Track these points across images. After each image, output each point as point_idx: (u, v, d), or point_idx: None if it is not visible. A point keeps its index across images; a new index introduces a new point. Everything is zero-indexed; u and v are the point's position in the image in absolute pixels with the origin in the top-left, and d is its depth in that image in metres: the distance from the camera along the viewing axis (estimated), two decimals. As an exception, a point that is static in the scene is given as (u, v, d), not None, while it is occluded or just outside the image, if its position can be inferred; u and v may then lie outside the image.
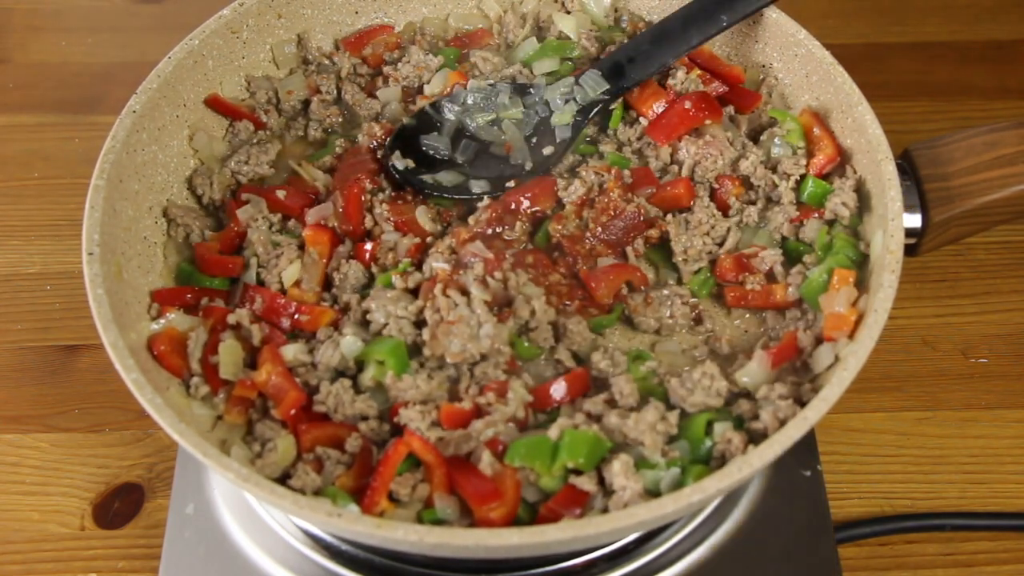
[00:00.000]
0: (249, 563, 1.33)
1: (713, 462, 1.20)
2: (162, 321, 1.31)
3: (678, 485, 1.15)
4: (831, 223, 1.38)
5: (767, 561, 1.33)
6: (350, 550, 1.33)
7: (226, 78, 1.53)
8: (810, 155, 1.43)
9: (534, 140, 1.47)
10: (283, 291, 1.34)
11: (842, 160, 1.42)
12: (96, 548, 1.45)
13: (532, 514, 1.17)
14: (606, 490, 1.18)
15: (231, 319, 1.31)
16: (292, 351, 1.28)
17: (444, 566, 1.31)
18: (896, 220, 1.27)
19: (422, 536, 1.06)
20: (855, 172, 1.39)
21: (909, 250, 1.41)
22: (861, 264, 1.32)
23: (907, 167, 1.43)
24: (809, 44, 1.46)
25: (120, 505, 1.49)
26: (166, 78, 1.43)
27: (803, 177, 1.41)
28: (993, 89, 1.94)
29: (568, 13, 1.63)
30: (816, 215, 1.38)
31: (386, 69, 1.59)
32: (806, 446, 1.41)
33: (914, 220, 1.40)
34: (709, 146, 1.42)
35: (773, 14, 1.49)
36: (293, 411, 1.24)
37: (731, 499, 1.37)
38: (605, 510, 1.15)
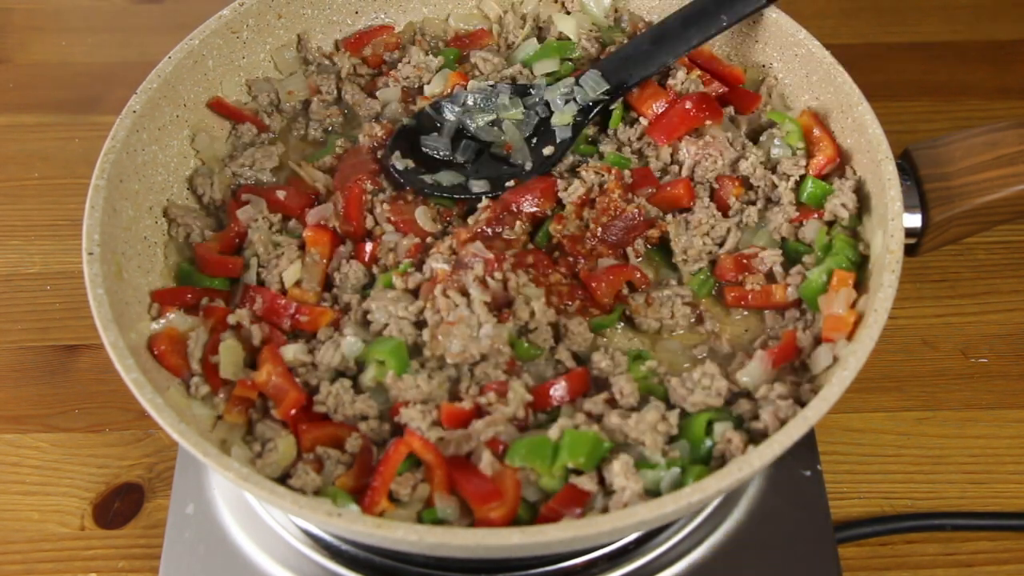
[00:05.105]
0: (249, 563, 1.33)
1: (713, 462, 1.20)
2: (162, 321, 1.31)
3: (678, 485, 1.15)
4: (831, 224, 1.37)
5: (767, 561, 1.33)
6: (350, 550, 1.33)
7: (226, 78, 1.53)
8: (810, 156, 1.42)
9: (534, 140, 1.47)
10: (283, 291, 1.34)
11: (842, 161, 1.42)
12: (96, 548, 1.45)
13: (533, 514, 1.17)
14: (606, 490, 1.18)
15: (231, 319, 1.31)
16: (292, 351, 1.28)
17: (444, 566, 1.31)
18: (896, 220, 1.27)
19: (422, 536, 1.06)
20: (855, 173, 1.39)
21: (909, 250, 1.41)
22: (860, 265, 1.32)
23: (907, 167, 1.42)
24: (809, 44, 1.46)
25: (120, 505, 1.49)
26: (166, 78, 1.43)
27: (802, 178, 1.41)
28: (993, 89, 1.94)
29: (568, 13, 1.63)
30: (816, 216, 1.38)
31: (385, 69, 1.59)
32: (806, 446, 1.41)
33: (914, 220, 1.39)
34: (709, 147, 1.42)
35: (773, 14, 1.49)
36: (293, 411, 1.24)
37: (731, 499, 1.37)
38: (605, 510, 1.15)
